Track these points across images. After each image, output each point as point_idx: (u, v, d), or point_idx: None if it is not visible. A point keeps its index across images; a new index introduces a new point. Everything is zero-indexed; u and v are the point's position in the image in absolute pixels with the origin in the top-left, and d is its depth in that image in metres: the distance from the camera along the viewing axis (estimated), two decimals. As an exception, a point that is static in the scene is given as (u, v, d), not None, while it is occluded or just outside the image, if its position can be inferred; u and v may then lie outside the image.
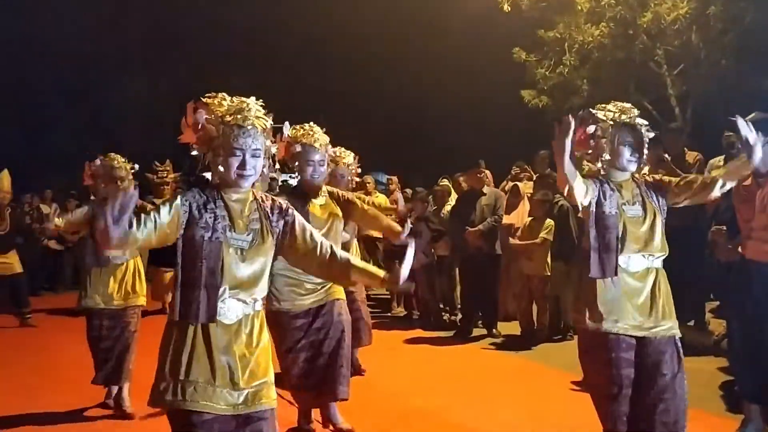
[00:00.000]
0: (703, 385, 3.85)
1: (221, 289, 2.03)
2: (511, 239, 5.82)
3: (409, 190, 8.04)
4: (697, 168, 5.36)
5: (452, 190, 7.05)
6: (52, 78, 15.43)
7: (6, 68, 14.51)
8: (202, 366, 2.02)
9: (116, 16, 15.82)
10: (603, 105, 2.71)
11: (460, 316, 6.45)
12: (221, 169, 2.08)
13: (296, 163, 3.29)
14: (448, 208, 6.73)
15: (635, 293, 2.62)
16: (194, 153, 2.11)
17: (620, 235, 2.60)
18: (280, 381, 2.23)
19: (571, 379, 4.36)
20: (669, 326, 2.64)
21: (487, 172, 6.59)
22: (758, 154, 2.48)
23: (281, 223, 2.18)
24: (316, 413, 3.57)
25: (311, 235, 2.22)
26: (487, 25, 11.00)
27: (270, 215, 2.16)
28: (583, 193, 2.58)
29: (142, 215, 2.01)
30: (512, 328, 5.96)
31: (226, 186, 2.12)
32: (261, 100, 2.16)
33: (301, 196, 3.29)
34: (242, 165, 2.06)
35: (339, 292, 3.43)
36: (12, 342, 6.28)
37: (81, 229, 4.20)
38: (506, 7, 9.60)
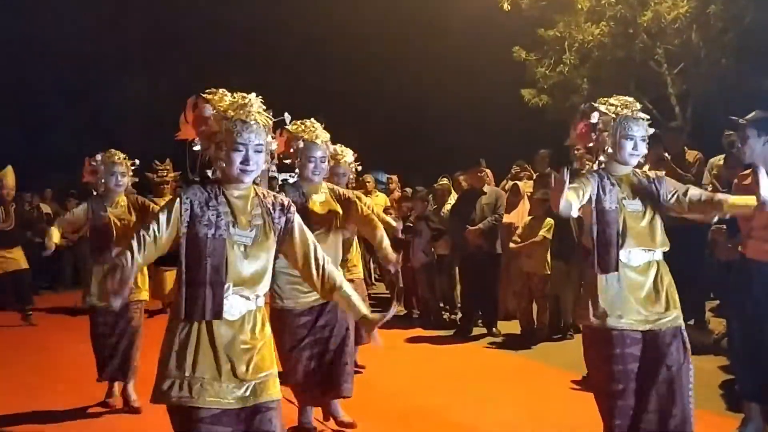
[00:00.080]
0: (703, 384, 3.82)
1: (226, 286, 2.04)
2: (511, 244, 5.80)
3: (409, 189, 8.04)
4: (697, 167, 5.36)
5: (452, 189, 7.05)
6: (52, 78, 15.43)
7: (6, 68, 14.52)
8: (208, 362, 2.04)
9: (116, 16, 15.82)
10: (605, 99, 2.70)
11: (460, 315, 6.45)
12: (224, 164, 2.08)
13: (297, 160, 3.28)
14: (448, 207, 6.73)
15: (638, 287, 2.61)
16: (196, 148, 2.11)
17: (620, 230, 2.60)
18: (281, 379, 2.23)
19: (571, 378, 4.36)
20: (674, 316, 2.63)
21: (488, 171, 6.58)
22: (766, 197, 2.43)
23: (283, 219, 2.19)
24: (316, 412, 3.57)
25: (309, 242, 2.24)
26: (487, 24, 11.00)
27: (272, 211, 2.17)
28: (577, 209, 2.58)
29: (142, 235, 2.03)
30: (512, 327, 5.96)
31: (228, 182, 2.12)
32: (260, 100, 2.16)
33: (301, 193, 3.29)
34: (245, 160, 2.06)
35: None
36: (12, 341, 6.28)
37: (81, 228, 4.20)
38: (506, 6, 9.60)
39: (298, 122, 3.27)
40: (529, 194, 6.39)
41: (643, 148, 2.63)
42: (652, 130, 2.69)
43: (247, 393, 2.06)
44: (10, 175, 6.77)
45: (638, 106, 2.68)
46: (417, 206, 6.73)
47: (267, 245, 2.13)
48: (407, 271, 6.86)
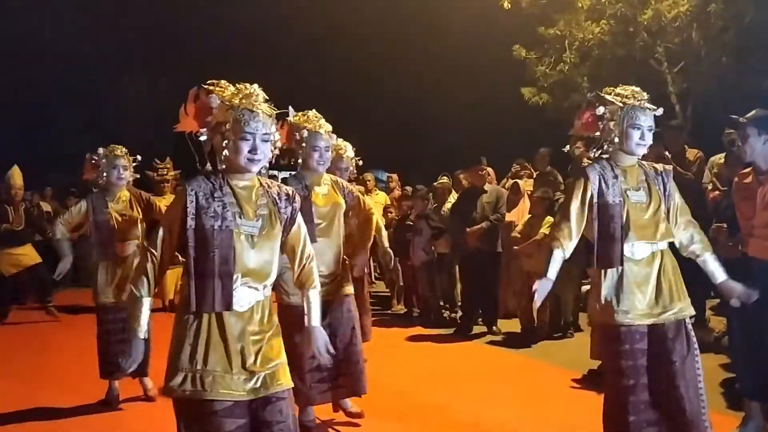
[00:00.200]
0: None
1: (234, 277, 2.05)
2: (515, 247, 5.79)
3: (409, 188, 8.04)
4: (698, 165, 5.36)
5: (452, 188, 7.05)
6: (52, 78, 15.44)
7: (6, 68, 14.52)
8: (219, 355, 2.04)
9: (116, 16, 15.82)
10: (611, 88, 2.67)
11: (460, 313, 6.45)
12: (230, 154, 2.08)
13: (300, 150, 3.28)
14: (448, 205, 6.73)
15: (642, 281, 2.59)
16: (202, 138, 2.10)
17: (624, 223, 2.57)
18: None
19: (572, 376, 4.37)
20: (679, 308, 2.61)
21: (490, 169, 6.57)
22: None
23: (289, 209, 2.20)
24: (316, 410, 3.57)
25: (301, 236, 2.27)
26: (488, 22, 10.99)
27: (278, 201, 2.18)
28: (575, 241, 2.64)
29: (155, 255, 2.10)
30: (512, 325, 5.96)
31: (234, 172, 2.12)
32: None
33: (304, 185, 3.28)
34: (253, 149, 2.07)
35: (348, 287, 3.46)
36: (12, 341, 6.28)
37: (81, 226, 4.20)
38: (506, 5, 9.59)
39: (300, 114, 3.28)
40: (529, 193, 6.38)
41: (649, 138, 2.60)
42: (660, 111, 2.64)
43: (258, 384, 2.07)
44: (17, 175, 6.79)
45: (645, 95, 2.63)
46: (417, 205, 6.73)
47: (273, 235, 2.14)
48: (407, 269, 6.87)
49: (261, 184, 2.19)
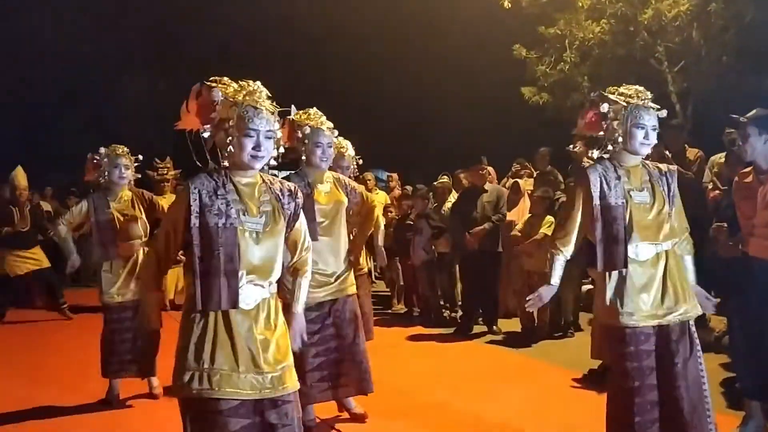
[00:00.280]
0: (704, 382, 3.84)
1: (240, 274, 2.05)
2: (515, 247, 5.79)
3: (409, 187, 8.04)
4: (698, 165, 5.36)
5: (452, 187, 7.05)
6: (52, 78, 15.44)
7: (6, 68, 14.52)
8: (226, 353, 2.04)
9: (116, 16, 15.82)
10: (614, 87, 2.65)
11: (460, 313, 6.45)
12: (234, 150, 2.07)
13: (303, 147, 3.28)
14: (448, 204, 6.73)
15: (647, 282, 2.58)
16: (206, 135, 2.10)
17: (627, 225, 2.56)
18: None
19: (572, 376, 4.37)
20: (684, 310, 2.60)
21: (490, 168, 6.57)
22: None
23: (292, 205, 2.21)
24: (317, 410, 3.57)
25: (302, 231, 2.30)
26: (488, 21, 10.98)
27: (281, 197, 2.18)
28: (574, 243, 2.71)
29: (159, 251, 2.17)
30: (513, 325, 5.96)
31: (237, 168, 2.12)
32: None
33: (307, 183, 3.28)
34: (257, 146, 2.07)
35: (352, 287, 3.46)
36: (12, 341, 6.28)
37: (82, 226, 4.21)
38: (507, 4, 9.58)
39: (301, 112, 3.29)
40: (529, 192, 6.38)
41: (654, 138, 2.58)
42: (664, 113, 2.64)
43: (265, 384, 2.07)
44: (21, 175, 6.78)
45: (649, 95, 2.62)
46: (417, 204, 6.73)
47: (277, 231, 2.14)
48: (408, 268, 6.87)
49: (263, 180, 2.19)
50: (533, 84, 10.24)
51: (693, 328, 2.64)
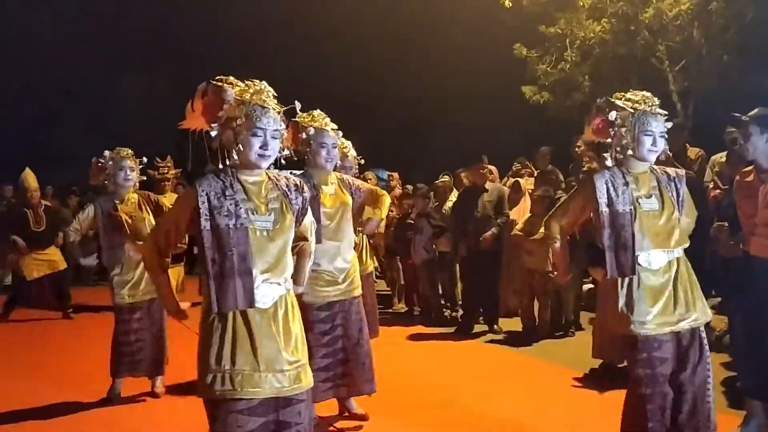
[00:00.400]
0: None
1: (254, 273, 2.06)
2: (523, 242, 5.77)
3: (410, 186, 8.04)
4: (699, 164, 5.36)
5: (453, 186, 7.05)
6: (52, 78, 15.46)
7: (6, 68, 14.53)
8: (246, 354, 2.06)
9: (116, 16, 15.83)
10: (621, 93, 2.65)
11: (461, 312, 6.44)
12: (242, 149, 2.08)
13: (307, 149, 3.28)
14: (449, 204, 6.72)
15: (659, 290, 2.58)
16: (213, 133, 2.10)
17: (638, 231, 2.55)
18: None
19: (573, 375, 4.36)
20: (695, 318, 2.60)
21: (493, 167, 6.56)
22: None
23: (300, 199, 2.22)
24: (318, 409, 3.57)
25: (308, 223, 2.33)
26: (488, 20, 10.98)
27: (288, 193, 2.19)
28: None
29: (159, 242, 2.21)
30: (513, 324, 5.95)
31: (244, 168, 2.13)
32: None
33: (312, 185, 3.27)
34: (264, 145, 2.08)
35: (358, 288, 3.48)
36: (12, 340, 6.28)
37: (91, 229, 4.24)
38: (507, 3, 9.58)
39: (305, 114, 3.29)
40: (530, 191, 6.38)
41: (661, 144, 2.58)
42: (670, 124, 2.64)
43: (283, 383, 2.09)
44: (30, 177, 6.78)
45: (657, 101, 2.62)
46: (418, 203, 6.73)
47: (286, 227, 2.16)
48: (408, 267, 6.86)
49: (269, 177, 2.20)
50: (534, 83, 10.23)
51: (704, 335, 2.65)
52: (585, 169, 6.15)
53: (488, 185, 6.14)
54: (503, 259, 6.11)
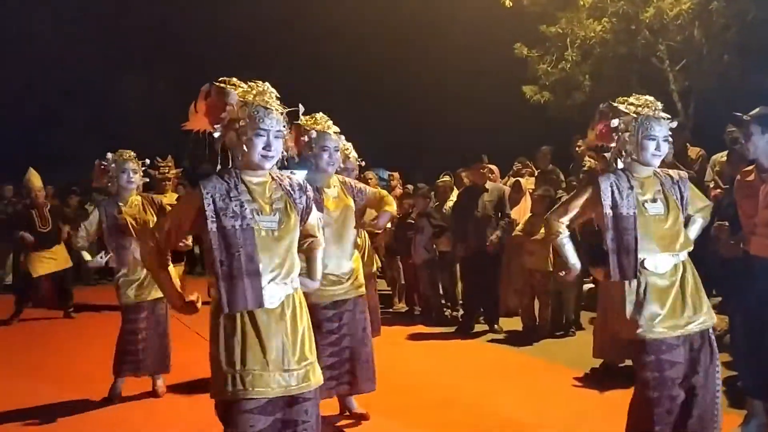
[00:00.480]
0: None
1: (262, 273, 2.07)
2: (524, 242, 5.77)
3: (410, 186, 8.04)
4: (700, 164, 5.36)
5: (454, 186, 7.05)
6: (52, 78, 15.46)
7: (6, 68, 14.54)
8: (256, 354, 2.07)
9: (116, 16, 15.83)
10: (624, 98, 2.65)
11: (461, 311, 6.44)
12: (246, 149, 2.09)
13: (309, 152, 3.29)
14: (450, 203, 6.72)
15: (665, 294, 2.58)
16: (217, 134, 2.11)
17: (644, 235, 2.55)
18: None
19: (573, 375, 4.36)
20: (702, 320, 2.61)
21: (494, 167, 6.55)
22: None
23: (304, 198, 2.23)
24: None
25: (314, 221, 2.35)
26: (489, 20, 10.98)
27: (292, 192, 2.21)
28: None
29: (159, 240, 2.21)
30: (514, 323, 5.95)
31: (248, 168, 2.14)
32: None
33: (315, 188, 3.29)
34: (267, 146, 2.09)
35: (362, 288, 3.50)
36: (12, 340, 6.29)
37: (97, 233, 4.27)
38: (508, 3, 9.58)
39: (308, 117, 3.30)
40: (530, 191, 6.38)
41: (665, 148, 2.59)
42: (674, 124, 2.65)
43: (290, 382, 2.11)
44: (34, 177, 6.81)
45: (660, 105, 2.62)
46: (419, 203, 6.73)
47: (291, 226, 2.17)
48: (409, 267, 6.86)
49: (273, 178, 2.21)
50: (534, 83, 10.23)
51: (713, 337, 2.65)
52: (585, 168, 6.16)
53: (488, 185, 6.14)
54: (503, 259, 6.11)
